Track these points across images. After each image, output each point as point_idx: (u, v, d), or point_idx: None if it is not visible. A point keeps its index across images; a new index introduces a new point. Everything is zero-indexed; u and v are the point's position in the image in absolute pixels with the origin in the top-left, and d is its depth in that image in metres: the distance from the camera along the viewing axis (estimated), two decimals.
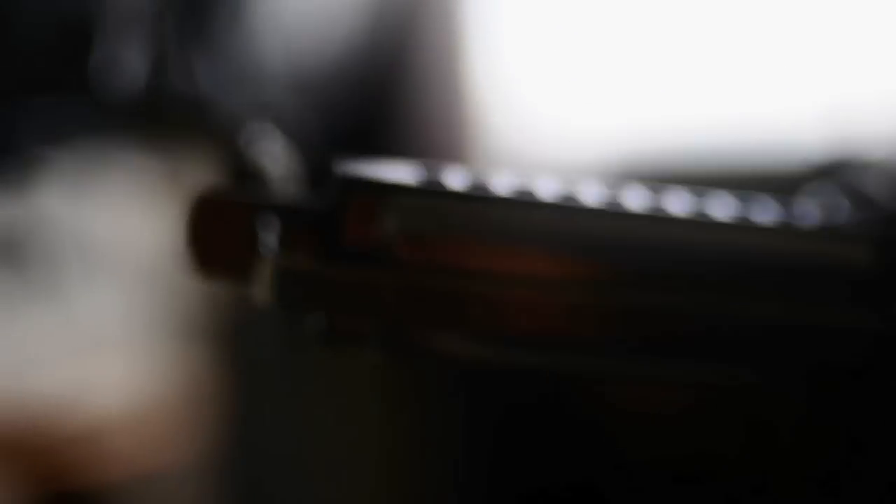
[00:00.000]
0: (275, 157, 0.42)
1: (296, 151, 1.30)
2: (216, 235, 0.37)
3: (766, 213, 0.39)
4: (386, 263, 0.35)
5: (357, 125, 1.38)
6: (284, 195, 0.39)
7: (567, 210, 0.36)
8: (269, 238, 0.36)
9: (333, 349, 0.37)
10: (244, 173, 0.41)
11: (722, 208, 0.38)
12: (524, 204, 0.36)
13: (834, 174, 0.41)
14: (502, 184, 0.37)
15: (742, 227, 0.38)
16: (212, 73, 1.07)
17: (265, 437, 0.95)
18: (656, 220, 0.37)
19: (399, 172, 0.36)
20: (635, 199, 0.38)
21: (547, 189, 0.37)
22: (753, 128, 1.11)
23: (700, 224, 0.37)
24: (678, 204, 0.38)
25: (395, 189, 0.35)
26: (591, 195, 0.37)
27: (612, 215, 0.37)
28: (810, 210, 0.40)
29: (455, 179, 0.36)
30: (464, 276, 0.35)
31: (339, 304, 0.35)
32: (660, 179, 1.17)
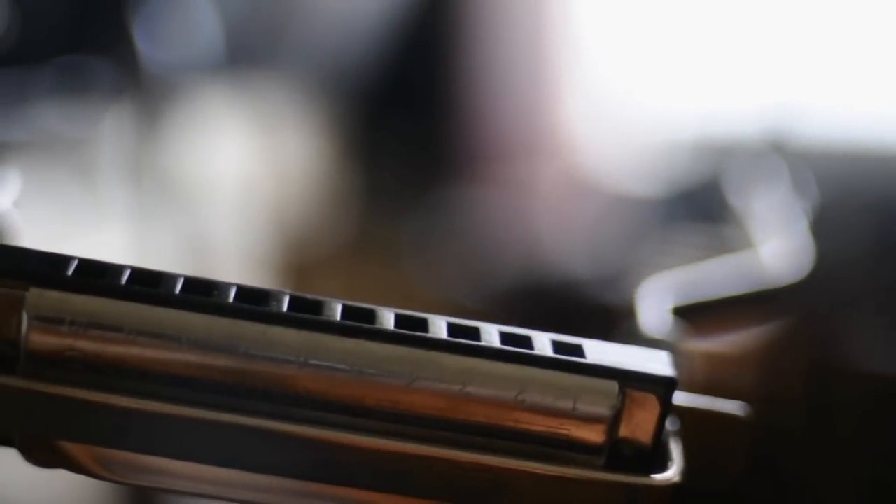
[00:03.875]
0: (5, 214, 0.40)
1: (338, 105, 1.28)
2: None
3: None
4: (13, 360, 0.32)
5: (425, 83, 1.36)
6: None
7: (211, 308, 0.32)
8: None
9: None
10: None
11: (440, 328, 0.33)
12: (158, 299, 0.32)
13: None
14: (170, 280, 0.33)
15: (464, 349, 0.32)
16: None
17: None
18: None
19: (42, 259, 0.33)
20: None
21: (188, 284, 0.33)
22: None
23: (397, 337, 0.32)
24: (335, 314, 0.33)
25: (30, 276, 0.32)
26: (280, 303, 0.33)
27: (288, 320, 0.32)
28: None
29: (111, 271, 0.32)
30: (94, 377, 0.32)
31: None
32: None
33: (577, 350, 0.33)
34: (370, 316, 0.33)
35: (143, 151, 1.01)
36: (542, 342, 0.33)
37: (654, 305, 0.41)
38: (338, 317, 0.33)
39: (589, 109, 1.36)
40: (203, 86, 1.10)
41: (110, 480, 0.33)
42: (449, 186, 1.32)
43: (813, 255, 0.47)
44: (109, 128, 0.99)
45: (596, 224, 1.28)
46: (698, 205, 1.19)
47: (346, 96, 1.30)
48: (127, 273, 0.33)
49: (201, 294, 0.33)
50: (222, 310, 0.32)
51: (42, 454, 0.33)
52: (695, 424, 0.35)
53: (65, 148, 0.95)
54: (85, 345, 0.32)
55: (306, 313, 0.33)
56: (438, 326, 0.33)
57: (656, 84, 1.32)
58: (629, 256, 1.15)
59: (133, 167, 1.00)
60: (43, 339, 0.32)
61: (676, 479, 0.32)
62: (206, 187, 1.11)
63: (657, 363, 0.33)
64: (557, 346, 0.33)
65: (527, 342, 0.33)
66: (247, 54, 1.19)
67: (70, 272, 0.32)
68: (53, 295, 0.32)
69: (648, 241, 1.14)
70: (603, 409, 0.32)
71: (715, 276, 0.44)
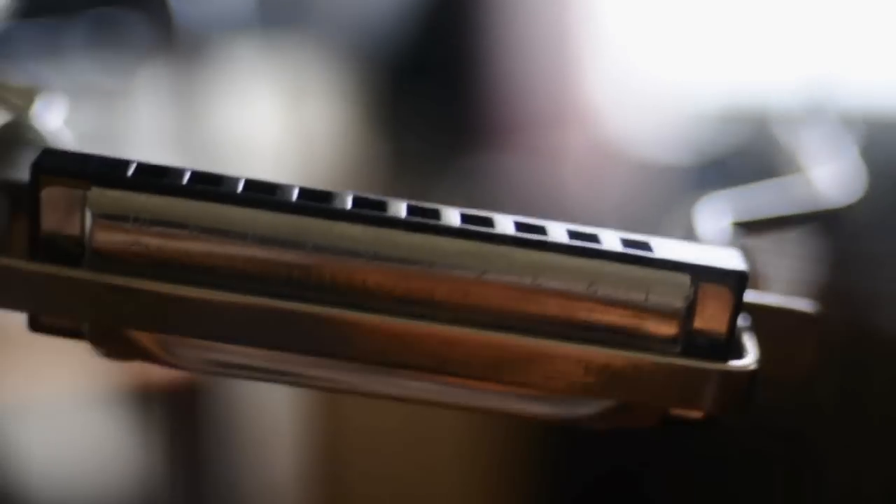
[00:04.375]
0: (58, 132, 0.40)
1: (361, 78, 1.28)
2: None
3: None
4: (78, 257, 0.32)
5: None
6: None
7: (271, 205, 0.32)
8: None
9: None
10: (24, 142, 0.39)
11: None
12: (225, 197, 0.32)
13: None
14: (227, 179, 0.33)
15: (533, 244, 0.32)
16: None
17: None
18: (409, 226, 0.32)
19: (102, 161, 0.32)
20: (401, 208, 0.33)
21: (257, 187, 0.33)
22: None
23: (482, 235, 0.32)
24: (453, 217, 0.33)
25: (91, 176, 0.32)
26: (344, 201, 0.32)
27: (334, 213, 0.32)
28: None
29: (171, 172, 0.32)
30: (160, 272, 0.32)
31: (29, 303, 0.32)
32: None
33: (646, 246, 0.33)
34: (435, 214, 0.33)
35: (174, 107, 1.01)
36: (610, 239, 0.33)
37: (710, 220, 0.41)
38: (403, 214, 0.33)
39: (617, 77, 1.35)
40: (234, 44, 1.09)
41: (178, 368, 0.33)
42: (476, 154, 1.31)
43: (863, 184, 0.46)
44: (141, 82, 0.99)
45: (625, 192, 1.27)
46: (728, 173, 1.19)
47: (374, 62, 1.29)
48: (188, 174, 0.33)
49: (264, 193, 0.33)
50: (287, 207, 0.32)
51: (111, 343, 0.33)
52: (766, 320, 0.35)
53: (97, 100, 0.95)
54: (150, 241, 0.32)
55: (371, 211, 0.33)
56: (505, 224, 0.33)
57: (685, 51, 1.32)
58: (658, 225, 1.14)
59: (164, 123, 1.00)
60: (108, 237, 0.32)
61: (754, 366, 0.32)
62: (235, 146, 1.11)
63: (728, 257, 0.33)
64: (626, 242, 0.33)
65: (594, 238, 0.33)
66: (278, 14, 1.19)
67: (131, 173, 0.32)
68: (116, 194, 0.32)
69: (678, 209, 1.13)
70: (676, 301, 0.32)
71: (769, 198, 0.43)
